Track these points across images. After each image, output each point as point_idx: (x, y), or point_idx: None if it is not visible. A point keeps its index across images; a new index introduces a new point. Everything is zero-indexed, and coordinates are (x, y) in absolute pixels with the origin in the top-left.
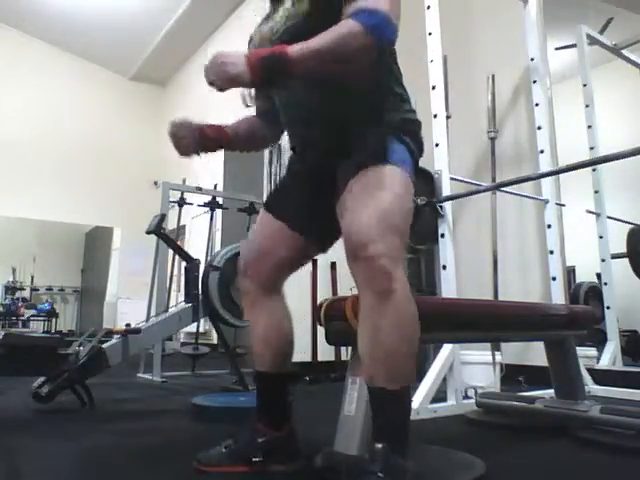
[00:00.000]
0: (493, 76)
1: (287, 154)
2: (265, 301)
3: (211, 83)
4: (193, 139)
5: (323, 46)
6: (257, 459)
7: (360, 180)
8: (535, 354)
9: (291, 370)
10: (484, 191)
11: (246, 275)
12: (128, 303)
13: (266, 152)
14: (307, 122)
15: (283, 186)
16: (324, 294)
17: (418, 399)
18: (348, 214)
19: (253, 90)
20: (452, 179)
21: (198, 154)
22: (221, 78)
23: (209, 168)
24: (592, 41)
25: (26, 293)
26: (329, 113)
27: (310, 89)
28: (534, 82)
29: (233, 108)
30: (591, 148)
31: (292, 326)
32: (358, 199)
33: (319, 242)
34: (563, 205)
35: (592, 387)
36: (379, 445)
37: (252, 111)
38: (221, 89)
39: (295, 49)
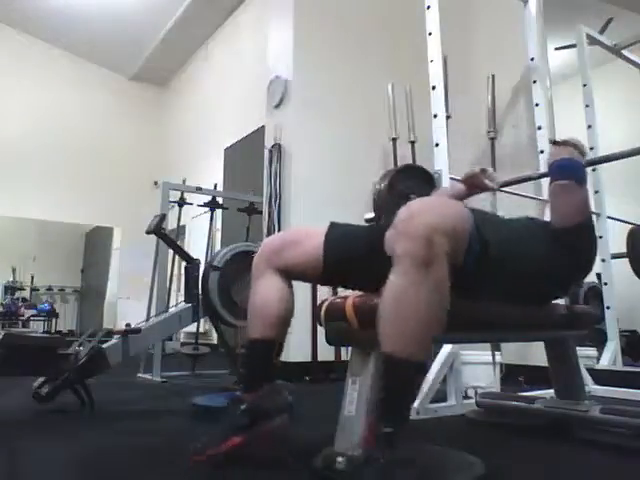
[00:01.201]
0: (493, 76)
1: (287, 154)
2: (271, 275)
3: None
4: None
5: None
6: (243, 423)
7: None
8: (535, 354)
9: (281, 342)
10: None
11: (262, 253)
12: (128, 303)
13: (266, 152)
14: None
15: (353, 227)
16: (324, 294)
17: (418, 399)
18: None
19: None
20: (452, 179)
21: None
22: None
23: (209, 168)
24: (592, 41)
25: (26, 293)
26: None
27: None
28: (534, 82)
29: (232, 108)
30: (591, 148)
31: (291, 303)
32: None
33: (326, 275)
34: None
35: (592, 387)
36: (388, 429)
37: None
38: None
39: None
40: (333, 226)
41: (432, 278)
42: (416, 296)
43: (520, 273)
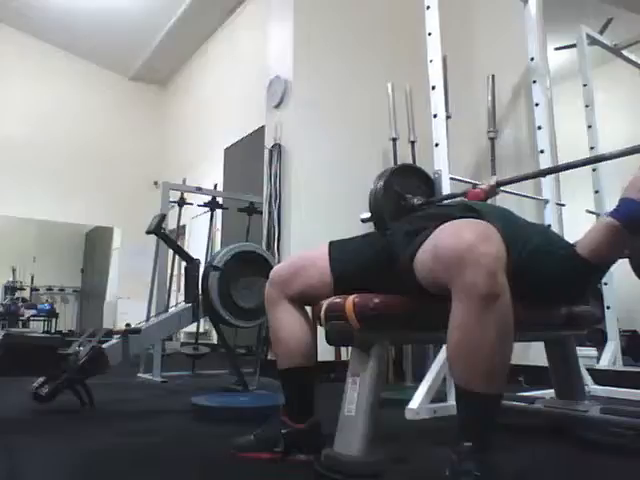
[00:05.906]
0: (493, 76)
1: (287, 154)
2: (286, 305)
3: None
4: None
5: None
6: (278, 449)
7: None
8: (535, 354)
9: (310, 366)
10: None
11: (273, 283)
12: (128, 303)
13: (266, 152)
14: None
15: (353, 241)
16: None
17: (418, 399)
18: (436, 232)
19: None
20: (452, 179)
21: None
22: None
23: (209, 168)
24: (592, 41)
25: (26, 293)
26: None
27: None
28: (534, 82)
29: (232, 108)
30: (591, 148)
31: (312, 328)
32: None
33: (338, 294)
34: (563, 205)
35: (592, 387)
36: (468, 444)
37: None
38: None
39: None
40: (333, 245)
41: (499, 311)
42: (484, 331)
43: (529, 283)
